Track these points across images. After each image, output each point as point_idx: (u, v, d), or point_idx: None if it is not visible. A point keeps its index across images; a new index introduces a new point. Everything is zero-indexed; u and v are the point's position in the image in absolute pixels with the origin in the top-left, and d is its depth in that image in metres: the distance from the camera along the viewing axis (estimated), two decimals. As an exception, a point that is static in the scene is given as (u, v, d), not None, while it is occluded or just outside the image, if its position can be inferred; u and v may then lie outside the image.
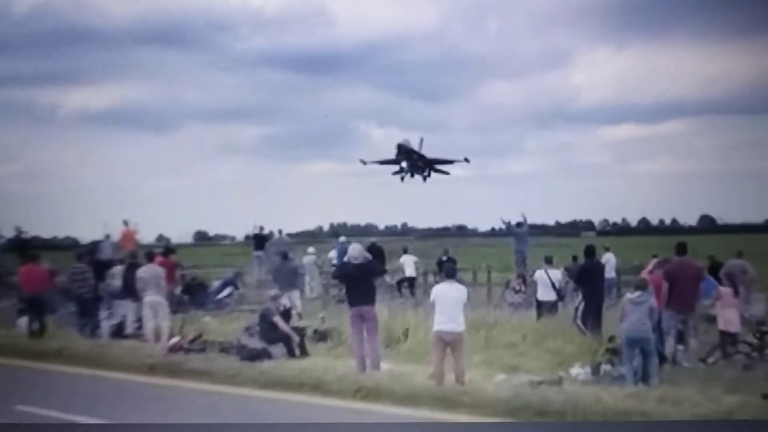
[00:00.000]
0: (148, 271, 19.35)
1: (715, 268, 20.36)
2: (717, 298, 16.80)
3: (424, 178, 54.94)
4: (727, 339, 15.98)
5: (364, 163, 55.98)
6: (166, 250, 24.42)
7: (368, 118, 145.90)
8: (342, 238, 34.73)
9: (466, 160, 54.10)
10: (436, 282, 20.78)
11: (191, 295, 24.97)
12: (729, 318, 16.15)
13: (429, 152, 53.39)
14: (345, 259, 17.33)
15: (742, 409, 11.71)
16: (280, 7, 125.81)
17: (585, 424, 11.55)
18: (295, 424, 11.05)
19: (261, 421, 12.76)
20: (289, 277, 23.21)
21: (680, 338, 15.74)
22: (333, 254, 30.54)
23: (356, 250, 16.30)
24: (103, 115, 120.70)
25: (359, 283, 15.60)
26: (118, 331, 19.73)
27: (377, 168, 55.80)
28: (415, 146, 53.44)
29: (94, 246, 26.20)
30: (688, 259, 16.94)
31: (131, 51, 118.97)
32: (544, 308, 21.52)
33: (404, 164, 53.58)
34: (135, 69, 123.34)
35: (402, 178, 54.71)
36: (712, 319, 16.98)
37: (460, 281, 16.88)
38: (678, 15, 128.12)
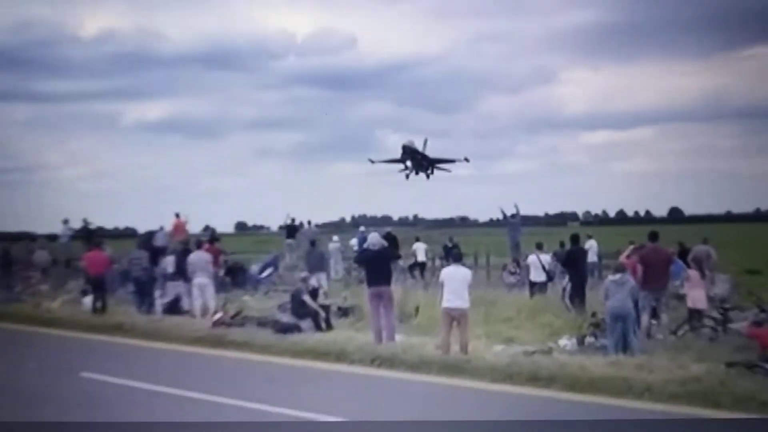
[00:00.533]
0: (197, 257, 19.37)
1: (683, 253, 20.14)
2: (686, 280, 16.64)
3: (428, 176, 51.28)
4: (695, 315, 15.81)
5: (372, 162, 52.97)
6: (211, 238, 24.29)
7: (385, 126, 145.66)
8: (362, 228, 34.54)
9: (466, 159, 51.12)
10: (442, 266, 20.71)
11: (232, 277, 24.86)
12: (697, 297, 15.99)
13: (434, 153, 50.83)
14: (365, 246, 17.25)
15: (708, 375, 11.57)
16: (311, 33, 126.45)
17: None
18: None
19: (290, 385, 12.72)
20: (316, 262, 23.12)
21: (654, 314, 15.62)
22: (354, 242, 30.38)
23: (374, 238, 16.35)
24: (159, 125, 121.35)
25: (377, 266, 15.52)
26: (170, 308, 19.70)
27: (389, 167, 52.90)
28: (419, 147, 50.08)
29: (151, 235, 26.18)
30: (659, 245, 16.87)
31: (183, 70, 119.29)
32: (535, 288, 21.43)
33: (409, 163, 50.34)
34: (186, 85, 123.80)
35: (407, 176, 51.13)
36: (681, 297, 16.83)
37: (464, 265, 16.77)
38: (644, 40, 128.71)
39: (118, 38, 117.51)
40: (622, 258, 16.93)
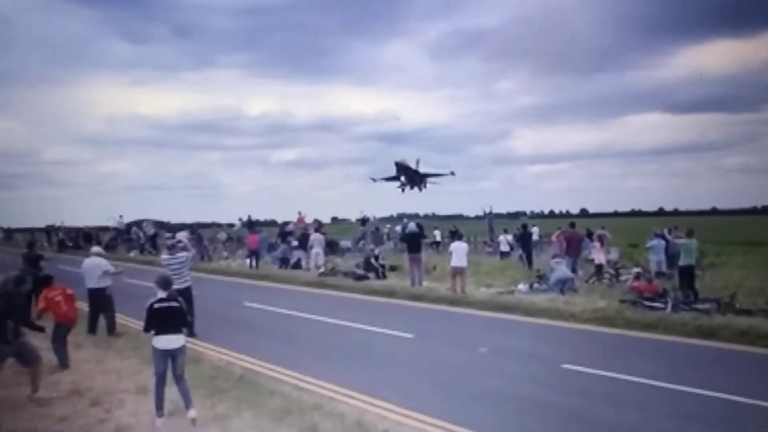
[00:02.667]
0: (315, 236, 19.25)
1: (590, 234, 19.40)
2: (592, 249, 16.13)
3: (420, 189, 37.51)
4: (599, 270, 15.26)
5: (374, 180, 38.67)
6: (319, 226, 24.20)
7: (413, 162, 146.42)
8: (404, 220, 33.84)
9: (452, 173, 37.88)
10: (450, 242, 20.34)
11: (330, 248, 24.71)
12: (599, 259, 15.52)
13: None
14: (406, 231, 16.99)
15: (608, 307, 11.11)
16: (375, 111, 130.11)
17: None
18: None
19: (362, 310, 12.48)
20: (378, 239, 23.07)
21: (573, 270, 15.04)
22: (399, 228, 29.99)
23: (411, 226, 16.45)
24: (290, 163, 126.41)
25: (413, 242, 15.33)
26: (294, 266, 19.68)
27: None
28: (412, 164, 36.77)
29: (285, 224, 26.18)
30: (576, 229, 16.51)
31: (304, 133, 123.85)
32: (503, 255, 21.15)
33: (403, 179, 36.85)
34: (306, 141, 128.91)
35: (402, 190, 37.29)
36: (590, 261, 16.26)
37: (464, 241, 16.38)
38: (561, 113, 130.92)
39: (269, 115, 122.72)
40: (553, 237, 16.40)
